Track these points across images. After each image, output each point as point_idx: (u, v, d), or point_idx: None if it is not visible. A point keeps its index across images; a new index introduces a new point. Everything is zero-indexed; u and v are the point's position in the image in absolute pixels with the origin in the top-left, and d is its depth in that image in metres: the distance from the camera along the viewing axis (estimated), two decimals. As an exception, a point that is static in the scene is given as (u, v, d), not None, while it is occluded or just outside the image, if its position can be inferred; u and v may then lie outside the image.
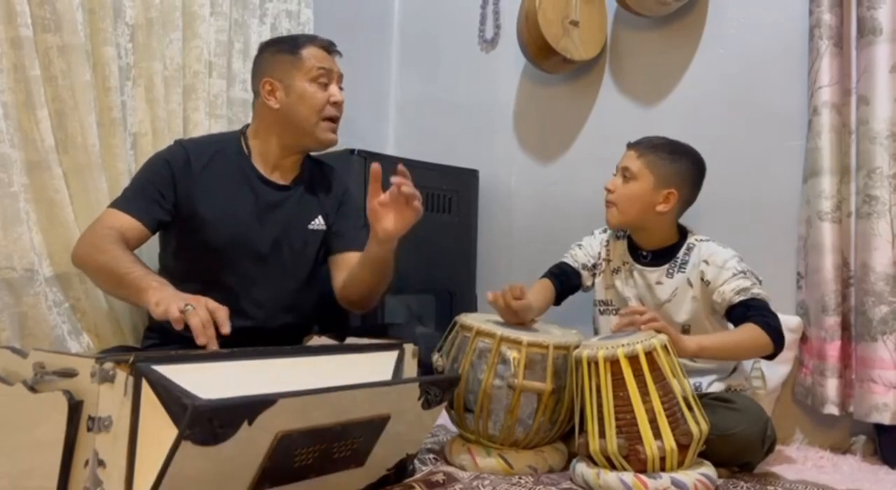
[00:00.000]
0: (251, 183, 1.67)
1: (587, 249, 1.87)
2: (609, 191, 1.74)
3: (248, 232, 1.64)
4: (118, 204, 1.58)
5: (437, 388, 1.28)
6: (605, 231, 1.88)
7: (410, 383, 1.27)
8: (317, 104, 1.64)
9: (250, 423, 0.99)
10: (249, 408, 1.00)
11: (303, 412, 1.08)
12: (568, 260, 1.87)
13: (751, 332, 1.55)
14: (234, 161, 1.67)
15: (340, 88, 1.69)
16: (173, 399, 0.96)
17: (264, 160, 1.69)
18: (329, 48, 1.70)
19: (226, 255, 1.63)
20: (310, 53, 1.66)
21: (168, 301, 1.28)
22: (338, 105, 1.67)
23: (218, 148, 1.68)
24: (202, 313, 1.26)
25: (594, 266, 1.85)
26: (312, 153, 1.79)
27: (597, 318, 1.85)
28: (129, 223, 1.54)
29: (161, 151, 1.68)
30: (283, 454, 1.08)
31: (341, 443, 1.17)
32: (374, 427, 1.22)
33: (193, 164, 1.63)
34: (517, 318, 1.60)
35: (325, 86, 1.65)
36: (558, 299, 1.83)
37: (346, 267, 1.67)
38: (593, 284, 1.86)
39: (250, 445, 1.03)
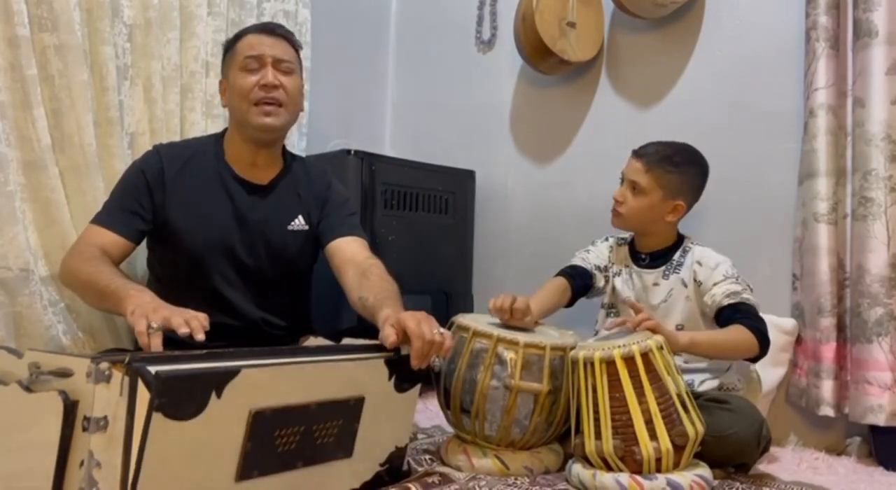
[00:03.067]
0: (227, 185, 1.64)
1: (597, 253, 1.89)
2: (618, 201, 1.76)
3: (225, 235, 1.63)
4: (99, 219, 1.57)
5: (402, 365, 1.29)
6: (606, 239, 1.91)
7: (375, 359, 1.28)
8: (244, 91, 1.58)
9: (219, 396, 1.01)
10: (213, 376, 1.02)
11: (271, 386, 1.10)
12: (578, 262, 1.88)
13: (739, 333, 1.56)
14: (210, 164, 1.65)
15: (282, 72, 1.61)
16: (143, 377, 0.97)
17: (238, 160, 1.67)
18: (265, 30, 1.64)
19: (204, 259, 1.61)
20: (242, 44, 1.62)
21: (142, 310, 1.24)
22: (267, 87, 1.58)
23: (195, 151, 1.66)
24: (176, 320, 1.22)
25: (605, 268, 1.87)
26: (310, 153, 1.78)
27: (600, 319, 1.87)
28: (110, 239, 1.54)
29: (137, 160, 1.67)
30: (262, 435, 1.09)
31: (321, 425, 1.18)
32: (351, 409, 1.23)
33: (167, 172, 1.61)
34: (517, 323, 1.61)
35: (255, 71, 1.59)
36: (573, 299, 1.83)
37: (342, 257, 1.64)
38: (604, 287, 1.87)
39: (225, 423, 1.04)
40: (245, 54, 1.60)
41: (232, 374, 1.03)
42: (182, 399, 0.98)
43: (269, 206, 1.67)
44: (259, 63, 1.60)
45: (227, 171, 1.66)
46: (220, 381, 1.02)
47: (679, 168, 1.72)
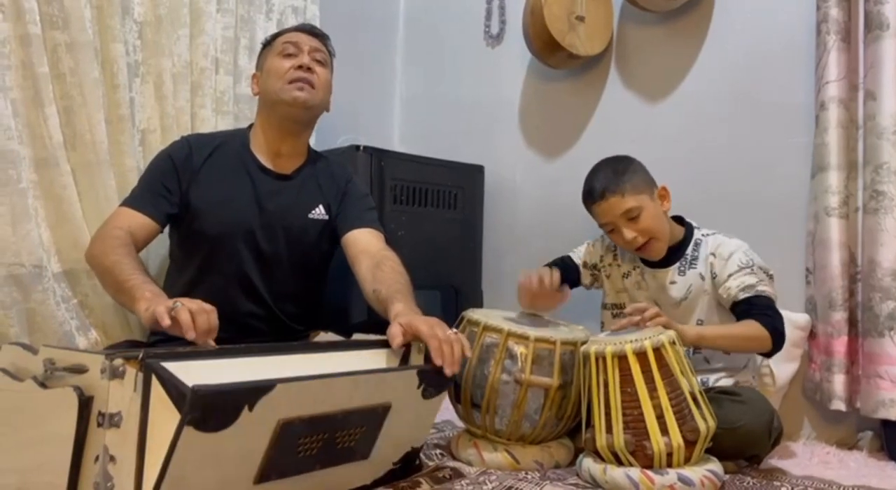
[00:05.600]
0: (250, 172, 1.69)
1: (590, 249, 1.90)
2: (634, 240, 1.69)
3: (245, 218, 1.66)
4: (127, 201, 1.62)
5: (435, 376, 1.29)
6: (604, 239, 1.90)
7: (408, 370, 1.28)
8: (281, 72, 1.66)
9: (251, 409, 1.00)
10: (249, 392, 1.01)
11: (303, 399, 1.09)
12: (571, 254, 1.91)
13: (751, 328, 1.56)
14: (235, 153, 1.71)
15: (317, 61, 1.69)
16: (176, 388, 0.97)
17: (263, 149, 1.72)
18: (304, 29, 1.74)
19: (223, 242, 1.65)
20: (281, 37, 1.72)
21: (155, 304, 1.26)
22: (303, 68, 1.66)
23: (222, 141, 1.72)
24: (193, 306, 1.24)
25: (594, 266, 1.88)
26: (319, 149, 1.80)
27: (607, 321, 1.86)
28: (138, 220, 1.57)
29: (166, 147, 1.72)
30: (287, 443, 1.09)
31: (344, 432, 1.18)
32: (376, 416, 1.22)
33: (195, 157, 1.67)
34: (541, 305, 1.63)
35: (293, 56, 1.67)
36: None
37: (358, 248, 1.66)
38: (591, 284, 1.89)
39: (252, 433, 1.04)
40: (284, 41, 1.70)
41: (267, 389, 1.02)
42: (215, 413, 0.97)
43: (291, 193, 1.71)
44: (296, 49, 1.68)
45: (252, 159, 1.71)
46: (254, 396, 1.01)
47: (629, 169, 1.71)
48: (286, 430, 1.07)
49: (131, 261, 1.47)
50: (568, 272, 1.85)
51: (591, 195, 1.72)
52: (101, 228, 1.58)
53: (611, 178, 1.70)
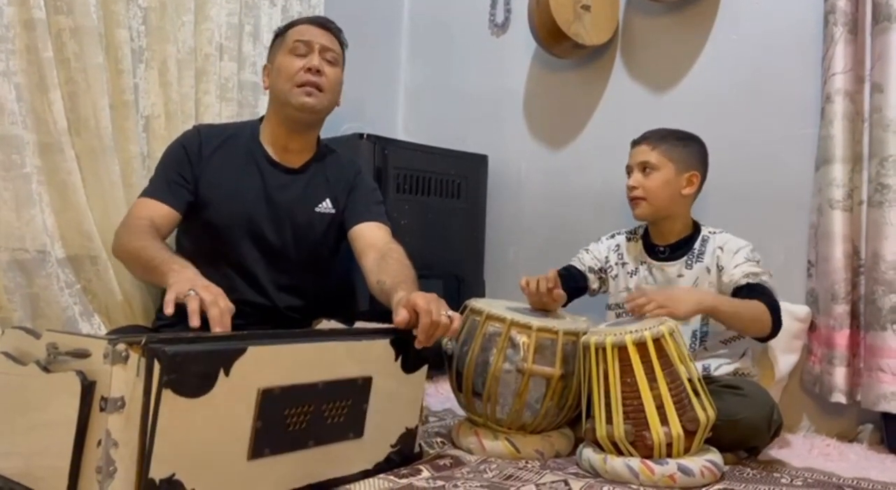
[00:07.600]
0: (259, 165, 1.70)
1: (594, 253, 1.90)
2: (633, 188, 1.76)
3: (253, 212, 1.67)
4: (146, 192, 1.63)
5: (406, 344, 1.32)
6: (612, 236, 1.91)
7: (382, 340, 1.31)
8: (290, 72, 1.64)
9: (227, 373, 1.04)
10: (221, 354, 1.05)
11: (278, 365, 1.12)
12: (574, 263, 1.90)
13: (758, 308, 1.59)
14: (245, 145, 1.71)
15: (328, 61, 1.67)
16: (154, 353, 0.99)
17: (273, 143, 1.72)
18: (316, 22, 1.72)
19: (230, 235, 1.66)
20: (293, 31, 1.69)
21: (180, 284, 1.28)
22: (312, 70, 1.64)
23: (232, 132, 1.73)
24: (207, 297, 1.24)
25: (601, 270, 1.88)
26: (323, 137, 1.80)
27: (610, 321, 1.85)
28: (158, 209, 1.59)
29: (178, 137, 1.73)
30: (272, 415, 1.12)
31: (330, 405, 1.21)
32: (359, 389, 1.26)
33: (205, 148, 1.67)
34: (544, 306, 1.64)
35: (303, 56, 1.65)
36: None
37: (364, 241, 1.68)
38: (599, 288, 1.89)
39: (234, 401, 1.06)
40: (296, 38, 1.67)
41: (239, 352, 1.06)
42: (191, 376, 1.00)
43: (299, 187, 1.72)
44: (307, 48, 1.66)
45: (261, 152, 1.71)
46: (228, 358, 1.05)
47: (682, 141, 1.77)
48: (268, 399, 1.10)
49: (155, 242, 1.49)
50: (573, 280, 1.85)
51: (635, 139, 1.82)
52: (123, 221, 1.60)
53: (657, 133, 1.79)
